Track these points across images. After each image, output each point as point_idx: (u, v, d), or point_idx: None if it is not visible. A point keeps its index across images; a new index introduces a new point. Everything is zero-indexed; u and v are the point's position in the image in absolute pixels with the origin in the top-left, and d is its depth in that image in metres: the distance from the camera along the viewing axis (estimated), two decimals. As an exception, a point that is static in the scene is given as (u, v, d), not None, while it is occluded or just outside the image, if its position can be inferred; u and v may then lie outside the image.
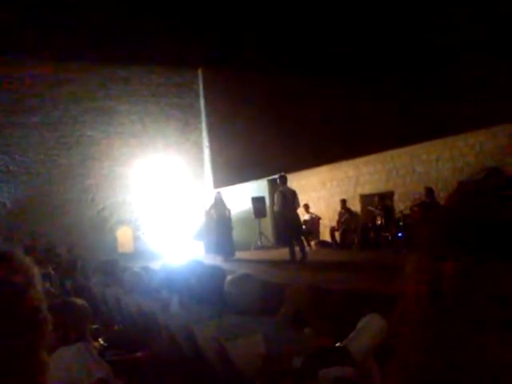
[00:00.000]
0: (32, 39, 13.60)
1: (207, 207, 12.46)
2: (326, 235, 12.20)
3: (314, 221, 12.57)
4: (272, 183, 13.38)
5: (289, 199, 9.23)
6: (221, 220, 11.20)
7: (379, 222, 10.54)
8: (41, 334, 0.61)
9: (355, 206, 11.81)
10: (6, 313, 0.57)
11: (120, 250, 14.96)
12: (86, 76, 15.83)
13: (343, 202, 11.63)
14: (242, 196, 13.99)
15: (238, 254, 11.25)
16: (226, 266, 8.26)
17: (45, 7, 13.63)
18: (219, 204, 11.37)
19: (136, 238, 15.95)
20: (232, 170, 15.64)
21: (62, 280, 5.97)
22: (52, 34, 13.73)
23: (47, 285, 4.92)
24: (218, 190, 12.23)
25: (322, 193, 12.86)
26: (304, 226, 11.31)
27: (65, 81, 15.54)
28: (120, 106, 16.31)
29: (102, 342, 3.12)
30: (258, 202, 13.47)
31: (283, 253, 9.69)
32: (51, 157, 15.41)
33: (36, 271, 0.64)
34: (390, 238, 9.98)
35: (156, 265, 6.16)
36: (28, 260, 0.63)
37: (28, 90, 15.09)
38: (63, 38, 13.86)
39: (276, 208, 9.47)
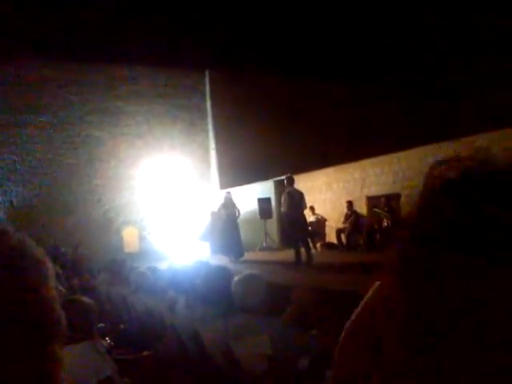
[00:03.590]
0: (40, 40, 13.67)
1: (215, 208, 12.48)
2: (331, 237, 12.18)
3: (320, 222, 12.54)
4: (278, 184, 13.37)
5: (296, 200, 9.20)
6: (230, 220, 11.20)
7: (385, 224, 10.50)
8: (53, 333, 0.60)
9: (361, 208, 11.77)
10: (17, 312, 0.56)
11: (126, 249, 15.00)
12: (93, 77, 15.90)
13: (349, 203, 11.60)
14: (248, 197, 13.99)
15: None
16: (231, 266, 8.27)
17: (53, 7, 13.70)
18: (229, 204, 11.37)
19: (142, 238, 15.99)
20: (238, 172, 15.65)
21: (68, 279, 5.99)
22: (60, 35, 13.80)
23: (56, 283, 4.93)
24: (228, 190, 12.24)
25: (328, 194, 12.84)
26: (310, 228, 11.29)
27: (72, 81, 15.61)
28: (127, 106, 16.36)
29: (108, 341, 3.13)
30: (264, 202, 13.46)
31: (289, 254, 9.68)
32: (58, 156, 15.48)
33: (50, 265, 0.63)
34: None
35: (162, 265, 6.18)
36: (41, 253, 0.62)
37: (36, 90, 15.17)
38: (71, 39, 13.93)
39: (283, 209, 9.44)
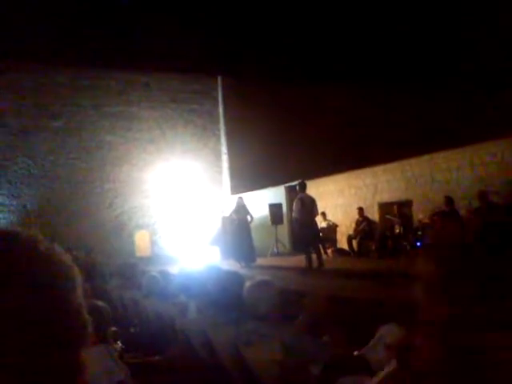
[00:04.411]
0: (55, 47, 13.83)
1: (226, 213, 12.49)
2: (343, 243, 12.13)
3: (332, 228, 12.50)
4: (289, 190, 13.36)
5: (307, 206, 9.18)
6: (242, 225, 11.20)
7: (397, 231, 10.44)
8: (80, 338, 0.61)
9: (373, 214, 11.72)
10: (46, 317, 0.57)
11: (137, 253, 15.06)
12: (106, 82, 16.04)
13: (360, 209, 11.57)
14: (260, 202, 14.00)
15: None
16: (243, 271, 8.26)
17: (65, 15, 13.86)
18: (241, 209, 11.37)
19: (153, 243, 16.05)
20: (250, 177, 15.67)
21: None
22: (73, 41, 13.95)
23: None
24: (241, 195, 12.25)
25: (340, 200, 12.80)
26: (321, 234, 11.26)
27: (86, 86, 15.77)
28: (139, 111, 16.48)
29: (120, 345, 3.14)
30: (275, 208, 13.47)
31: (300, 260, 9.65)
32: (71, 161, 15.62)
33: (78, 272, 0.63)
34: (407, 246, 9.88)
35: (173, 269, 6.20)
36: (69, 259, 0.63)
37: (51, 96, 15.35)
38: (84, 45, 14.07)
39: (294, 214, 9.41)
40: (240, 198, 11.75)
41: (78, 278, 0.63)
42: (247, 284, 2.79)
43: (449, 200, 9.06)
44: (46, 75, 15.20)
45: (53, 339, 0.57)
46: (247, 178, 15.77)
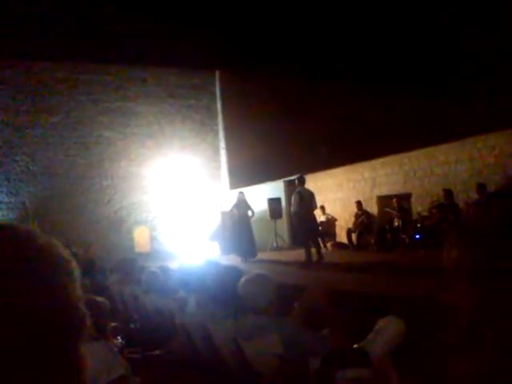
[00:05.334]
0: (52, 42, 13.78)
1: (225, 207, 12.49)
2: (342, 237, 12.15)
3: (330, 222, 12.52)
4: (288, 184, 13.37)
5: (306, 200, 9.19)
6: (242, 220, 11.21)
7: (396, 224, 10.46)
8: (79, 332, 0.61)
9: (372, 208, 11.74)
10: (45, 311, 0.57)
11: (137, 249, 15.07)
12: (104, 77, 16.01)
13: (359, 203, 11.58)
14: (258, 197, 14.01)
15: (254, 255, 11.25)
16: (242, 266, 8.28)
17: (64, 10, 13.80)
18: (242, 204, 11.38)
19: (153, 238, 16.06)
20: (248, 171, 15.66)
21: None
22: (71, 37, 13.90)
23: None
24: (241, 190, 12.25)
25: (339, 194, 12.81)
26: (320, 228, 11.27)
27: (84, 82, 15.73)
28: (137, 107, 16.44)
29: (120, 340, 3.15)
30: (274, 202, 13.48)
31: (299, 254, 9.68)
32: (70, 157, 15.59)
33: (75, 265, 0.63)
34: (406, 239, 9.90)
35: (173, 264, 6.21)
36: (67, 252, 0.63)
37: (49, 91, 15.30)
38: (82, 40, 14.02)
39: (293, 209, 9.42)
40: (241, 192, 11.75)
41: (76, 272, 0.63)
42: (244, 278, 2.79)
43: (448, 193, 9.08)
44: (44, 71, 15.16)
45: (51, 333, 0.57)
46: (246, 172, 15.75)
